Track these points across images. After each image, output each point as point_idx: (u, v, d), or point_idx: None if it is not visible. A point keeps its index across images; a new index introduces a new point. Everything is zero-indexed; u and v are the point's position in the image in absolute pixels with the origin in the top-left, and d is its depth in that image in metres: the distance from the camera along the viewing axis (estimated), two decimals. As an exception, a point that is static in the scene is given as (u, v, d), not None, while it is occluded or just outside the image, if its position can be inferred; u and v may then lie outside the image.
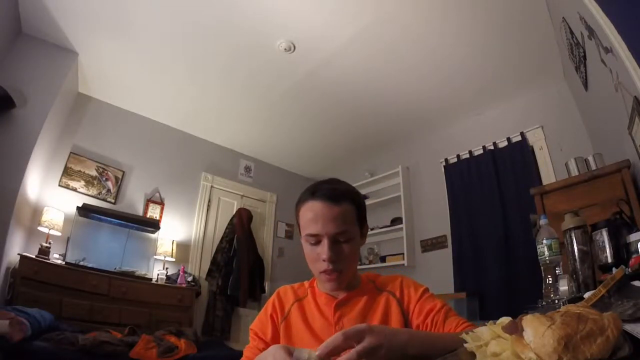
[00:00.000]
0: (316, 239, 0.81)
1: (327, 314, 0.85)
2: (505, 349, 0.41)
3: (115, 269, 3.08)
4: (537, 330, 0.38)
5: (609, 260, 1.17)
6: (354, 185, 0.93)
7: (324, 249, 0.79)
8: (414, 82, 3.26)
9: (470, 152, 3.61)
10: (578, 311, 0.40)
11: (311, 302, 0.88)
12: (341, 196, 0.82)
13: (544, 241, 1.16)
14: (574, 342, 0.36)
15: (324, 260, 0.80)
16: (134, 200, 3.64)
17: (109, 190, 3.48)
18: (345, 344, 0.53)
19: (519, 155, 3.22)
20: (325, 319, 0.84)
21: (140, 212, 3.62)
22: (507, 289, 2.94)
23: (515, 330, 0.41)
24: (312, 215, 0.81)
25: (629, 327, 0.41)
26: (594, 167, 1.96)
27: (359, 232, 0.86)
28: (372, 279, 0.92)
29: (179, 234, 3.82)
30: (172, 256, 3.55)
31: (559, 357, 0.36)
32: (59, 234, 2.93)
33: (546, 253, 1.15)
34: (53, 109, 2.86)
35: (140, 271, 3.26)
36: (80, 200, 3.19)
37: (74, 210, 3.08)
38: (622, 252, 1.15)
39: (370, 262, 4.15)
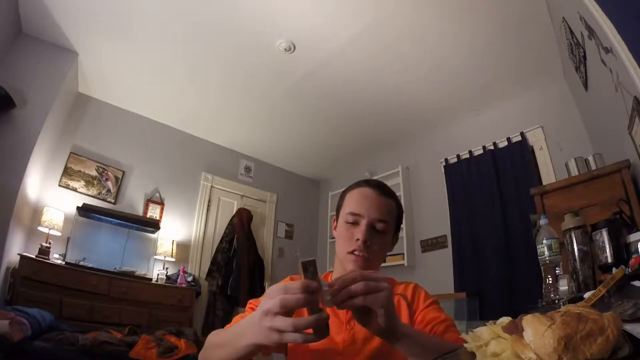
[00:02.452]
0: (355, 219, 0.85)
1: (339, 311, 0.84)
2: (505, 349, 0.41)
3: (115, 269, 3.08)
4: (537, 330, 0.38)
5: (609, 260, 1.17)
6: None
7: (360, 230, 0.84)
8: (414, 82, 3.25)
9: (470, 152, 3.61)
10: (578, 311, 0.40)
11: None
12: (391, 194, 0.91)
13: (544, 241, 1.16)
14: (574, 342, 0.36)
15: (357, 240, 0.83)
16: (134, 200, 3.64)
17: (109, 190, 3.48)
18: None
19: (518, 155, 3.22)
20: (336, 316, 0.84)
21: (140, 212, 3.62)
22: (507, 289, 2.93)
23: (515, 330, 0.41)
24: (360, 198, 0.87)
25: (629, 327, 0.41)
26: (594, 167, 1.96)
27: (393, 232, 0.90)
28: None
29: (179, 234, 3.82)
30: (172, 256, 3.55)
31: (559, 357, 0.35)
32: (59, 234, 2.93)
33: (546, 253, 1.15)
34: (53, 109, 2.86)
35: (140, 271, 3.25)
36: (80, 200, 3.19)
37: (74, 210, 3.08)
38: (622, 252, 1.15)
39: (370, 262, 4.14)
